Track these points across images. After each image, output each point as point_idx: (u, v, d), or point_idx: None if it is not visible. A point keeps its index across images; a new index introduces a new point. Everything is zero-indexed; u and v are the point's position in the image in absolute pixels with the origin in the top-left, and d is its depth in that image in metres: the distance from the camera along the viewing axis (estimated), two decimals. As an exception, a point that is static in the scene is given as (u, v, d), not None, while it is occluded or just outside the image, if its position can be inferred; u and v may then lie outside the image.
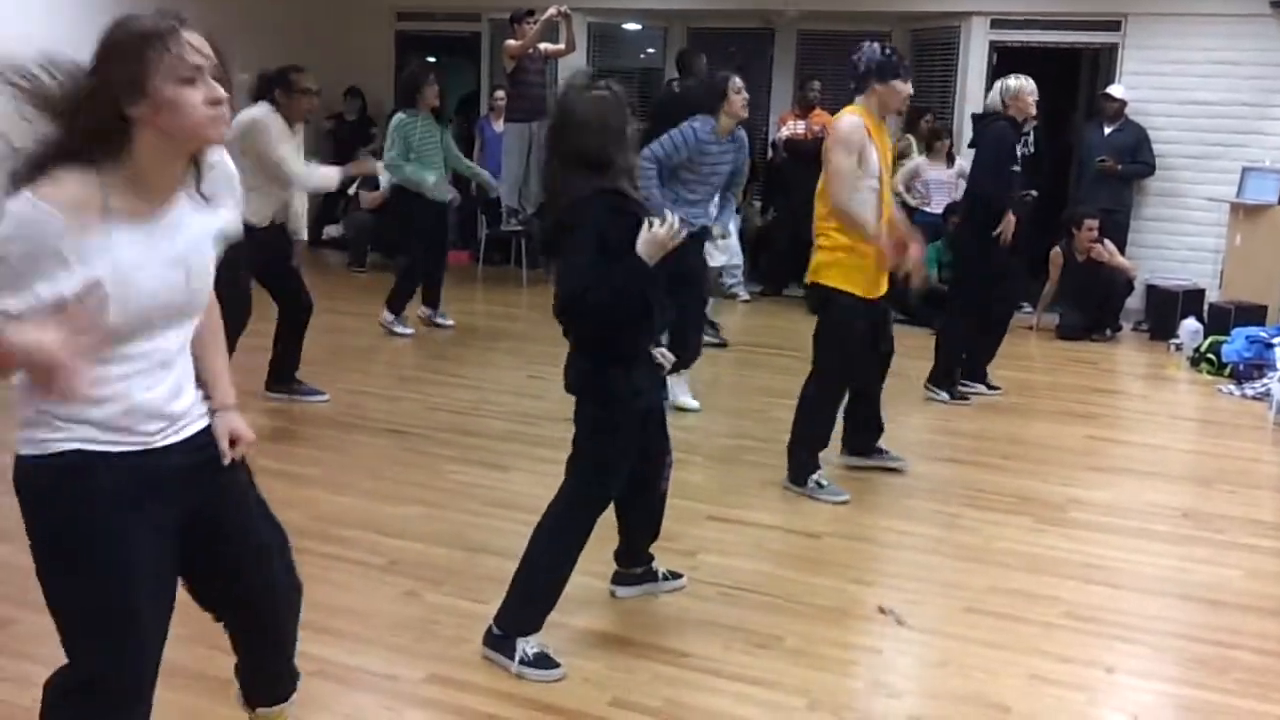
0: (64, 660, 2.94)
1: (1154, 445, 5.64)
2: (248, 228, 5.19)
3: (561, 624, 3.33)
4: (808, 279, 4.67)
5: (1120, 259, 8.29)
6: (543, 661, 3.05)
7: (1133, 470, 5.15)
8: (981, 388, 6.42)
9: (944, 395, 6.22)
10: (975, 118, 6.75)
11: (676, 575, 3.65)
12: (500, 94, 9.61)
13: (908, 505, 4.54)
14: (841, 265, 4.42)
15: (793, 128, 9.43)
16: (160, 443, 1.99)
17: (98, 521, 1.92)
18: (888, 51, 4.47)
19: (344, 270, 9.93)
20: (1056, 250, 8.28)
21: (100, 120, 1.82)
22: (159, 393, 1.98)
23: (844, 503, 4.48)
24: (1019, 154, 6.13)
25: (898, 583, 3.74)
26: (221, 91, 1.89)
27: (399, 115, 7.15)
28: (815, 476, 4.57)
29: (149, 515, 1.97)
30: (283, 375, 5.63)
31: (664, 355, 3.17)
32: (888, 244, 4.41)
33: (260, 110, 5.13)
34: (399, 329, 7.31)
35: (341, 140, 10.40)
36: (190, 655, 3.00)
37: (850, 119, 4.41)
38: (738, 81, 5.52)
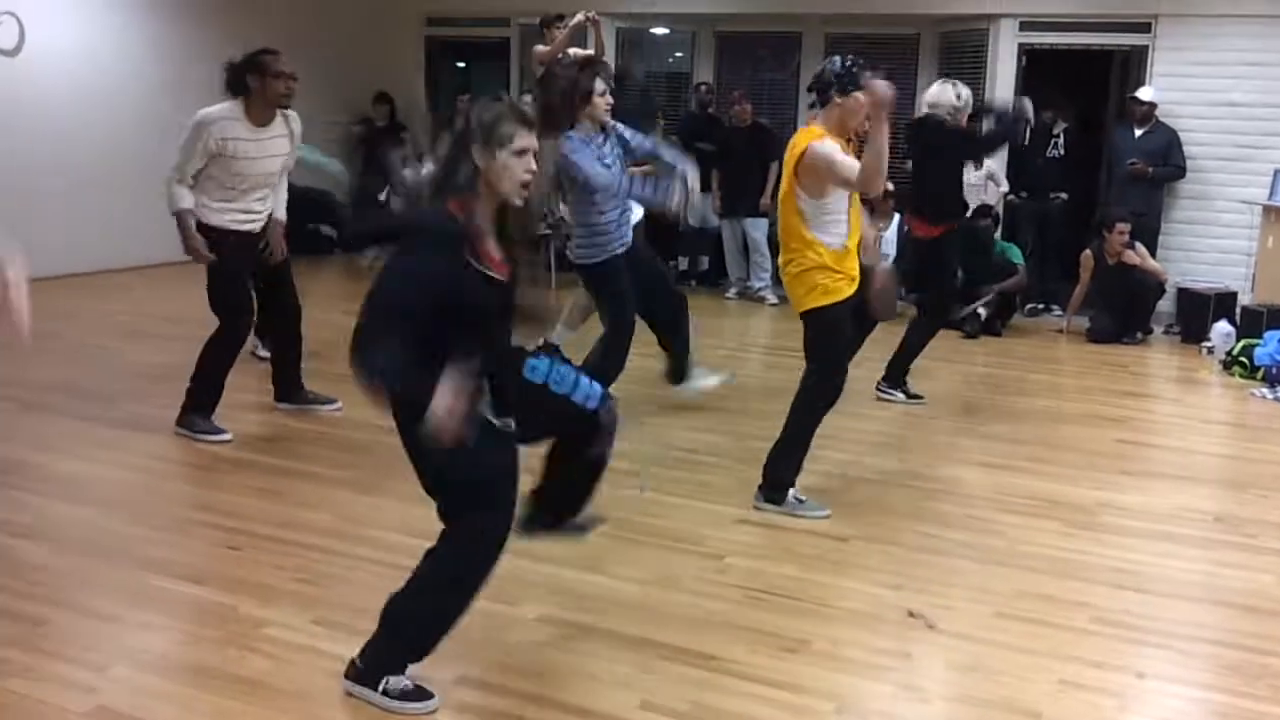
0: (102, 663, 2.97)
1: (1185, 449, 5.60)
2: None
3: (590, 626, 3.35)
4: (798, 308, 4.34)
5: (1151, 262, 8.23)
6: None
7: (1163, 474, 5.11)
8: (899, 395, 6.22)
9: (899, 396, 6.16)
10: (919, 121, 6.31)
11: None
12: (529, 99, 9.65)
13: (936, 509, 4.52)
14: (822, 284, 4.24)
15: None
16: None
17: None
18: (848, 62, 4.17)
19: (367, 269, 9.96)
20: (1087, 253, 8.23)
21: None
22: None
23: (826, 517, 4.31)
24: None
25: (926, 587, 3.72)
26: None
27: None
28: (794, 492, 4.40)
29: None
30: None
31: None
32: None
33: (214, 108, 4.89)
34: None
35: (371, 145, 10.48)
36: (221, 657, 3.04)
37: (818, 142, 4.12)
38: (600, 84, 5.30)
